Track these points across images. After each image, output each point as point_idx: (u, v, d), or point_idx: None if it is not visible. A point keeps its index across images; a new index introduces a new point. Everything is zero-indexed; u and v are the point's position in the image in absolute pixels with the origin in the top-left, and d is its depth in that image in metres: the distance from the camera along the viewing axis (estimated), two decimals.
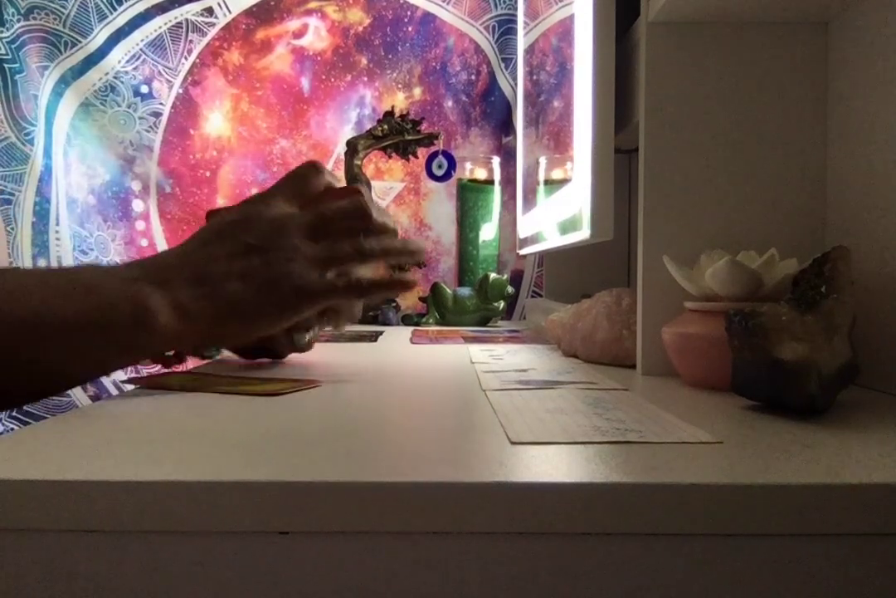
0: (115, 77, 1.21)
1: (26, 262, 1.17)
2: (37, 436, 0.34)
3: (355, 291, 0.51)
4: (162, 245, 1.26)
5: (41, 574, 0.27)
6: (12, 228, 1.15)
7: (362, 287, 0.50)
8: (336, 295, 0.50)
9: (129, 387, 0.50)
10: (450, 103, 1.29)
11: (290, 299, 0.48)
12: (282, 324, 0.49)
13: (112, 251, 1.23)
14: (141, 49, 1.23)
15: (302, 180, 0.53)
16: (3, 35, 1.13)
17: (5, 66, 1.13)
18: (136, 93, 1.23)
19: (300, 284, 0.47)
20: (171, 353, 0.57)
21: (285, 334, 0.64)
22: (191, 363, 0.68)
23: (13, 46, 1.14)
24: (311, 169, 0.53)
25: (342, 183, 0.57)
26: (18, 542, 0.26)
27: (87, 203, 1.21)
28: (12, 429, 1.08)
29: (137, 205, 1.24)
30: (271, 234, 0.48)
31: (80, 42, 1.18)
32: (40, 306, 0.41)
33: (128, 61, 1.22)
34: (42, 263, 1.17)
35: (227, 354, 0.69)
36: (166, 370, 0.56)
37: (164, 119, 1.25)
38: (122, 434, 0.35)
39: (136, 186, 1.24)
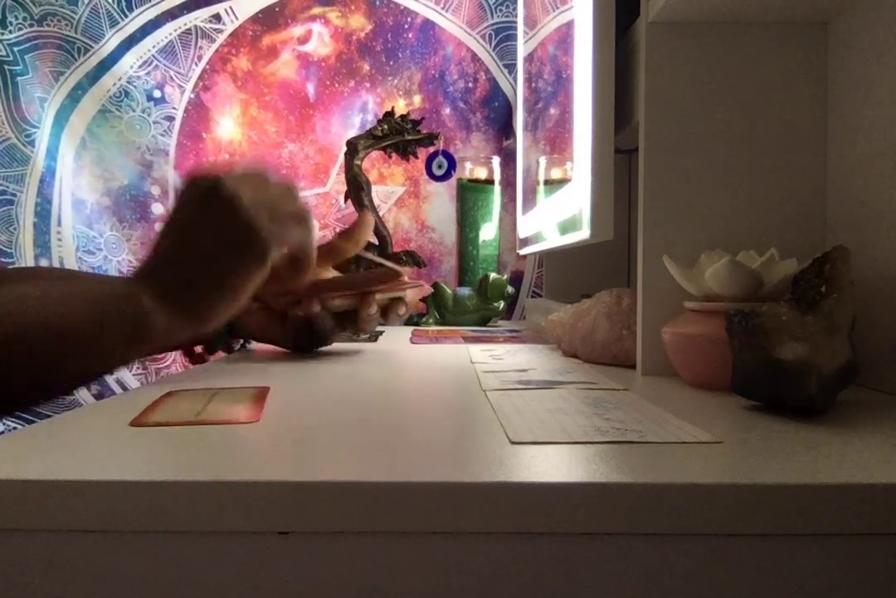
0: (128, 82, 1.23)
1: (28, 262, 1.18)
2: (37, 436, 0.34)
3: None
4: None
5: (41, 574, 0.27)
6: (15, 229, 1.16)
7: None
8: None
9: (134, 385, 0.51)
10: (448, 111, 1.30)
11: (248, 254, 0.51)
12: (250, 283, 0.52)
13: (126, 251, 1.25)
14: (153, 55, 1.24)
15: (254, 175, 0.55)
16: (5, 37, 1.14)
17: (6, 68, 1.14)
18: (150, 97, 1.25)
19: (254, 236, 0.50)
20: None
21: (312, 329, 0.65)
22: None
23: (17, 49, 1.15)
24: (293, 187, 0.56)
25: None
26: (18, 542, 0.26)
27: (101, 205, 1.23)
28: (14, 428, 1.09)
29: (157, 208, 1.26)
30: (228, 212, 0.50)
31: (92, 47, 1.19)
32: (50, 315, 0.45)
33: (140, 66, 1.24)
34: (44, 263, 1.18)
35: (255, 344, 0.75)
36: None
37: (177, 123, 1.26)
38: (123, 434, 0.35)
39: (155, 190, 1.26)
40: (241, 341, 0.74)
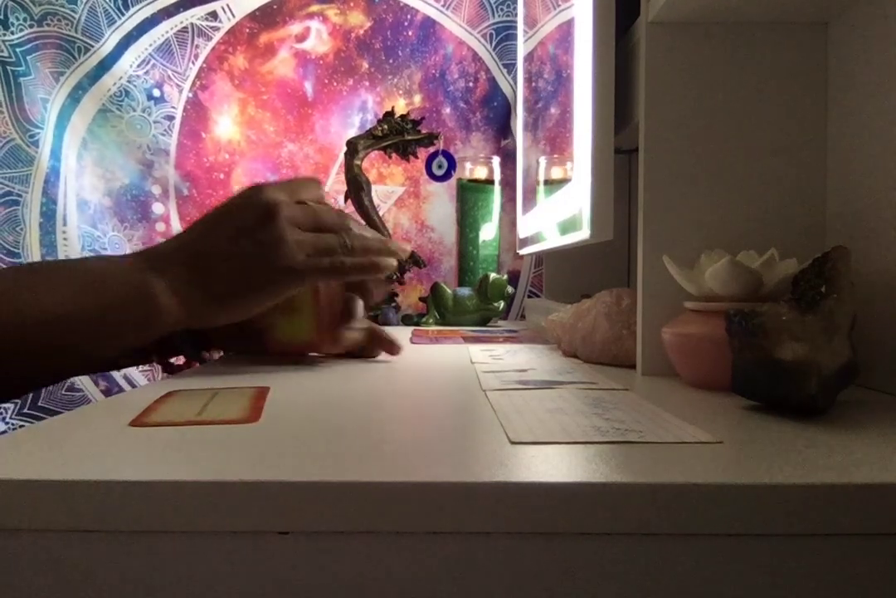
0: (128, 81, 1.23)
1: None
2: (37, 436, 0.34)
3: (337, 272, 0.54)
4: None
5: (41, 574, 0.27)
6: (21, 229, 1.17)
7: (345, 267, 0.54)
8: (319, 275, 0.54)
9: (142, 382, 0.52)
10: (448, 111, 1.30)
11: (276, 278, 0.52)
12: (269, 302, 0.54)
13: (128, 250, 1.25)
14: (150, 54, 1.24)
15: (302, 184, 0.57)
16: (8, 38, 1.15)
17: (9, 69, 1.15)
18: (150, 96, 1.25)
19: (286, 264, 0.52)
20: (181, 361, 0.63)
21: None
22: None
23: (20, 50, 1.15)
24: (314, 181, 0.58)
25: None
26: (18, 542, 0.26)
27: (103, 205, 1.24)
28: (15, 428, 1.09)
29: (158, 208, 1.26)
30: (262, 217, 0.52)
31: (92, 46, 1.19)
32: (65, 300, 0.48)
33: (139, 65, 1.24)
34: None
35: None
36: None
37: (177, 123, 1.26)
38: (123, 434, 0.35)
39: (156, 189, 1.26)
40: (221, 353, 0.69)
